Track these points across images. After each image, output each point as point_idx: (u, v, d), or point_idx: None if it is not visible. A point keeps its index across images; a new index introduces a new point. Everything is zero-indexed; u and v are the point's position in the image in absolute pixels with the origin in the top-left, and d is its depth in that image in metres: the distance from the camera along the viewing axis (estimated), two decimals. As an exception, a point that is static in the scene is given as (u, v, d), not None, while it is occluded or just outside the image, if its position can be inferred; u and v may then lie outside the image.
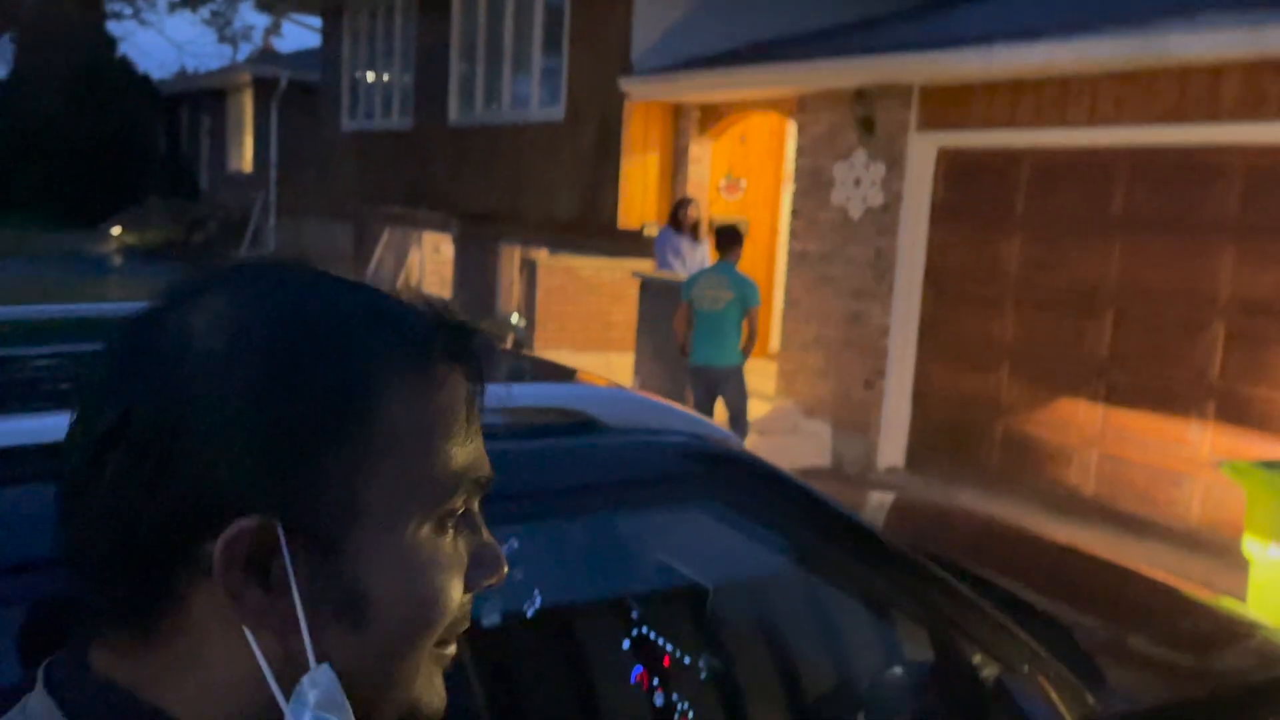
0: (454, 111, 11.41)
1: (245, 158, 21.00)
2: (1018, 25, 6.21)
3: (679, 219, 7.97)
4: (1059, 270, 6.21)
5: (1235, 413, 5.36)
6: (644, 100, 8.60)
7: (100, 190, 23.33)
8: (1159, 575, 2.76)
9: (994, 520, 3.74)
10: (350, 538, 0.57)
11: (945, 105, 6.66)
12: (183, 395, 0.55)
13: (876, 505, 3.33)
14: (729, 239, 6.16)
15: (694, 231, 8.02)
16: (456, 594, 0.61)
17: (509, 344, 8.84)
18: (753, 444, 7.20)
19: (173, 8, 31.42)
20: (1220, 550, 4.86)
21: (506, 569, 0.65)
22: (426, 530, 0.59)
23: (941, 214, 6.90)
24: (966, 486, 6.68)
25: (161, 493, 0.55)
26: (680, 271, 7.58)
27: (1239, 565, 3.93)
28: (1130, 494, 5.88)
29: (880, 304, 7.04)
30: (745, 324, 5.97)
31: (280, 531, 0.55)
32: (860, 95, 7.00)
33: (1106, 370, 5.98)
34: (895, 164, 6.90)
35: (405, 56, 12.38)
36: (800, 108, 7.64)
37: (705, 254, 7.90)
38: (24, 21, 25.63)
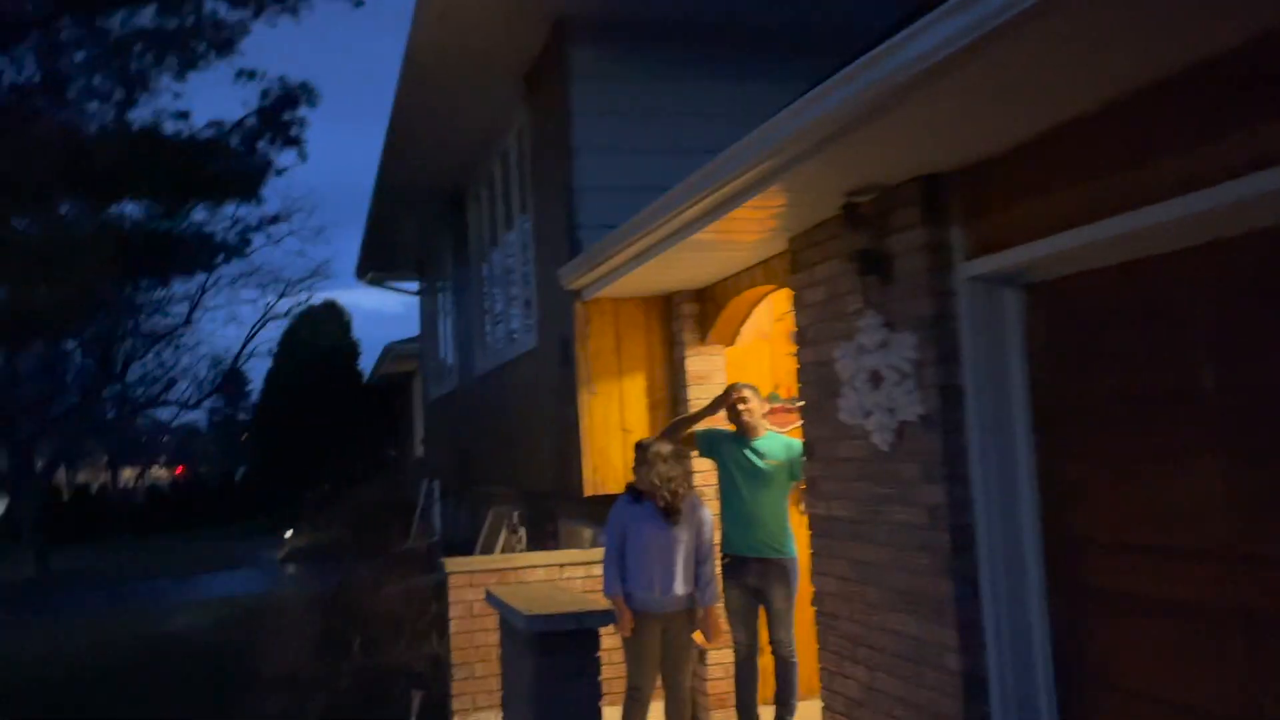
0: (480, 361, 9.01)
1: (418, 441, 20.05)
2: None
3: (644, 480, 4.65)
4: None
5: None
6: (598, 296, 5.59)
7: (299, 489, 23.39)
8: None
9: None
10: None
11: (986, 201, 3.12)
12: None
13: None
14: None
15: (666, 504, 4.63)
16: None
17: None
18: None
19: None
20: None
21: None
22: None
23: (1052, 412, 3.16)
24: None
25: None
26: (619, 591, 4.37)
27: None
28: None
29: (953, 626, 3.24)
30: None
31: None
32: (851, 212, 3.60)
33: None
34: (934, 327, 3.34)
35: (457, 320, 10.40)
36: (793, 265, 4.30)
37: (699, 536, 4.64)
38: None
